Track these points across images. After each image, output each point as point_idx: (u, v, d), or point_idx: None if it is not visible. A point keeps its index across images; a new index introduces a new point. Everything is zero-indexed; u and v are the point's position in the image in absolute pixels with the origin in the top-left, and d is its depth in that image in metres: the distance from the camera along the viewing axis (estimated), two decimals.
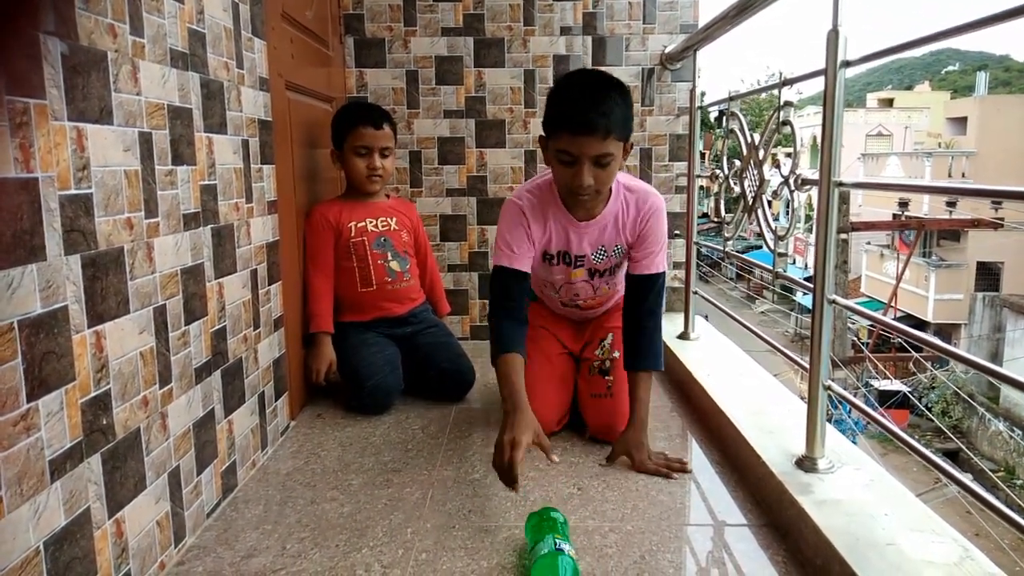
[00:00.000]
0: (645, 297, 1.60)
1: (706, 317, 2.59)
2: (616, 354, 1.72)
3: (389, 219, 2.06)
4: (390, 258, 2.03)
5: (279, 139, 1.72)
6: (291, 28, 1.88)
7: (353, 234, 1.98)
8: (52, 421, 0.89)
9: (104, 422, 1.00)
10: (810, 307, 1.41)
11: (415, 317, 2.09)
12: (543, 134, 1.47)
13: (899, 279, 13.84)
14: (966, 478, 1.08)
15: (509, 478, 1.28)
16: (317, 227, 1.96)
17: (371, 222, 2.02)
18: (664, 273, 1.63)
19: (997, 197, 1.01)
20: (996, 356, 12.76)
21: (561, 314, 1.85)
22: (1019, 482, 10.25)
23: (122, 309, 1.04)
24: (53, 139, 0.89)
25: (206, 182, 1.32)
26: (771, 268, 1.62)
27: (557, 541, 1.11)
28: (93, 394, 0.97)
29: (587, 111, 1.36)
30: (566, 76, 1.47)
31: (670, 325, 2.43)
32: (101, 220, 0.99)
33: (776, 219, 1.65)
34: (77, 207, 0.94)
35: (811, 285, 1.31)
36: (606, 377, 1.69)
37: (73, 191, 0.93)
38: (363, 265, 1.99)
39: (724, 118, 1.97)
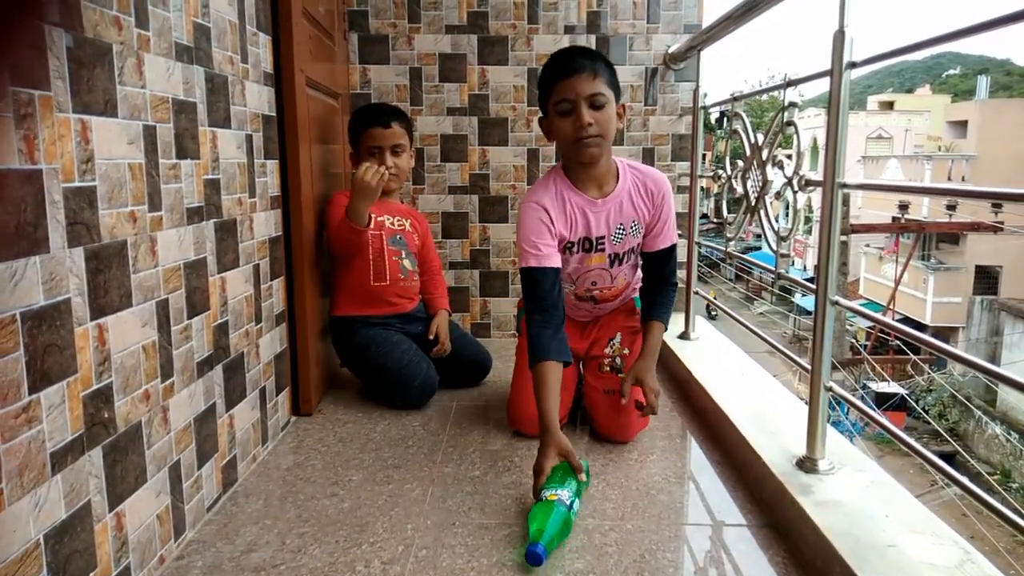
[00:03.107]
0: (664, 265, 1.73)
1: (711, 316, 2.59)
2: (627, 351, 1.73)
3: (404, 220, 2.11)
4: (403, 256, 2.07)
5: (300, 134, 1.74)
6: (308, 24, 1.89)
7: (371, 227, 1.99)
8: (54, 414, 0.88)
9: (105, 415, 0.99)
10: (808, 309, 1.41)
11: (421, 313, 2.13)
12: (542, 116, 1.61)
13: (898, 282, 13.84)
14: (965, 480, 1.08)
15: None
16: None
17: (388, 219, 2.05)
18: (676, 244, 1.74)
19: (998, 199, 1.01)
20: (994, 360, 12.77)
21: (570, 314, 1.84)
22: (1015, 485, 10.27)
23: (125, 302, 1.04)
24: (58, 131, 0.89)
25: (210, 176, 1.32)
26: (773, 268, 1.62)
27: (558, 492, 1.25)
28: (95, 387, 0.97)
29: (575, 56, 1.52)
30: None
31: (670, 325, 2.43)
32: (105, 213, 0.99)
33: (776, 220, 1.65)
34: (81, 199, 0.94)
35: (813, 285, 1.31)
36: (619, 375, 1.69)
37: (77, 183, 0.93)
38: (378, 259, 2.01)
39: (725, 119, 1.97)
